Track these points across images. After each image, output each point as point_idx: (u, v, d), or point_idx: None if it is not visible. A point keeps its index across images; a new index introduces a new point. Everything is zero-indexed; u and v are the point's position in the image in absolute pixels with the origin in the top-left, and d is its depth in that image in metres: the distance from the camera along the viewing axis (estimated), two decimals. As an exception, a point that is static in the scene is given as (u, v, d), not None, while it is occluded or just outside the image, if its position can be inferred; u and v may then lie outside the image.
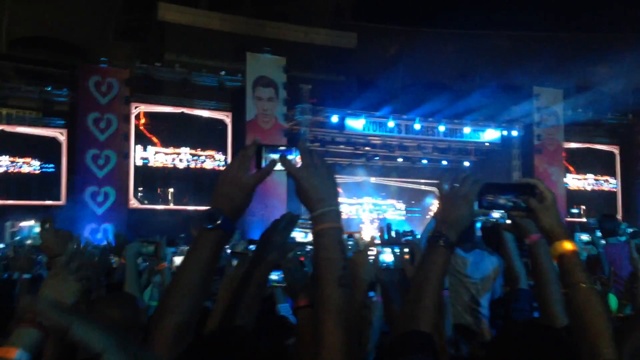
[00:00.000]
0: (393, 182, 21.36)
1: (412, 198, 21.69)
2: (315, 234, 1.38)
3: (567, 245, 1.52)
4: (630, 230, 10.60)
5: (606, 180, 22.50)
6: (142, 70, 17.31)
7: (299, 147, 1.43)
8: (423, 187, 21.25)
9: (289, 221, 1.78)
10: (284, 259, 1.87)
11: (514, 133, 20.02)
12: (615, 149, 22.50)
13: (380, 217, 20.15)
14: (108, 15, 18.11)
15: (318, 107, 18.53)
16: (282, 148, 1.43)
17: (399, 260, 2.20)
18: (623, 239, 5.74)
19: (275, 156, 1.42)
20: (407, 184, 21.18)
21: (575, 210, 20.25)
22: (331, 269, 1.34)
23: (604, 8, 22.79)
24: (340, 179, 19.99)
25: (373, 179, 20.76)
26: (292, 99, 18.25)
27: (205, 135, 18.25)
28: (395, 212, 21.22)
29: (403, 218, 20.76)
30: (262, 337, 2.23)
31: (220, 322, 1.72)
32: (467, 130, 19.62)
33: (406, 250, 2.53)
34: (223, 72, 18.12)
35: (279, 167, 1.41)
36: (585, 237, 11.26)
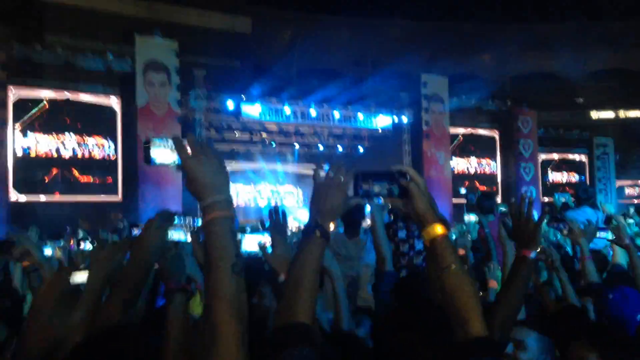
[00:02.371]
0: (290, 169, 21.53)
1: (310, 184, 21.28)
2: (206, 224, 1.37)
3: (438, 229, 1.54)
4: (503, 209, 11.14)
5: (488, 163, 23.92)
6: (20, 52, 16.07)
7: (187, 137, 1.42)
8: (321, 173, 20.80)
9: (165, 219, 1.78)
10: (162, 259, 1.86)
11: (404, 119, 20.73)
12: (495, 134, 24.00)
13: (279, 204, 20.19)
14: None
15: (213, 93, 18.18)
16: (169, 142, 1.44)
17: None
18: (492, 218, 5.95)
19: (164, 153, 1.44)
20: (304, 170, 21.42)
21: (462, 191, 21.28)
22: (223, 257, 1.33)
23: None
24: (237, 165, 19.97)
25: (270, 166, 20.84)
26: (185, 84, 17.76)
27: (92, 122, 17.39)
28: (293, 198, 21.39)
29: (301, 205, 20.89)
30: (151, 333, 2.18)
31: (95, 323, 1.70)
32: (360, 116, 20.07)
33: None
34: (110, 56, 17.33)
35: (167, 159, 1.43)
36: (473, 217, 11.78)
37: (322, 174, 1.60)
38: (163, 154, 1.44)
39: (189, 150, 1.41)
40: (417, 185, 1.57)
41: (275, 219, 2.34)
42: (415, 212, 1.58)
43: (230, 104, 18.23)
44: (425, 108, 21.01)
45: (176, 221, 1.87)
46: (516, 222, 2.10)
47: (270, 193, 20.83)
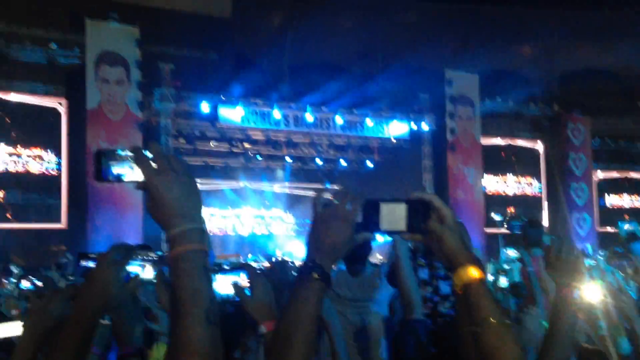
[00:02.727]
0: (280, 188, 21.70)
1: (305, 208, 21.35)
2: (173, 259, 1.38)
3: (473, 273, 1.56)
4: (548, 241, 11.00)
5: (529, 183, 23.93)
6: (-61, 41, 16.27)
7: (150, 149, 1.43)
8: (322, 198, 20.40)
9: (121, 254, 1.80)
10: (115, 312, 1.90)
11: (424, 126, 20.74)
12: (539, 146, 24.09)
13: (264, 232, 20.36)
14: None
15: (183, 92, 18.33)
16: (128, 153, 1.45)
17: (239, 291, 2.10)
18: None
19: (122, 168, 1.45)
20: (297, 190, 21.56)
21: (496, 217, 20.99)
22: (195, 301, 1.35)
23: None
24: (212, 185, 19.97)
25: (254, 184, 21.01)
26: (149, 81, 17.95)
27: (29, 130, 17.50)
28: (283, 225, 21.48)
29: (292, 233, 21.16)
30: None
31: None
32: (369, 122, 20.11)
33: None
34: (54, 45, 17.45)
35: (124, 175, 1.44)
36: (512, 252, 11.73)
37: (324, 199, 1.59)
38: (119, 168, 1.45)
39: (152, 164, 1.42)
40: (444, 218, 1.59)
41: (280, 272, 2.33)
42: (443, 251, 1.60)
43: (204, 107, 18.27)
44: (451, 113, 21.01)
45: (136, 256, 1.90)
46: (554, 253, 2.16)
47: (253, 219, 20.89)
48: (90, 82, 17.15)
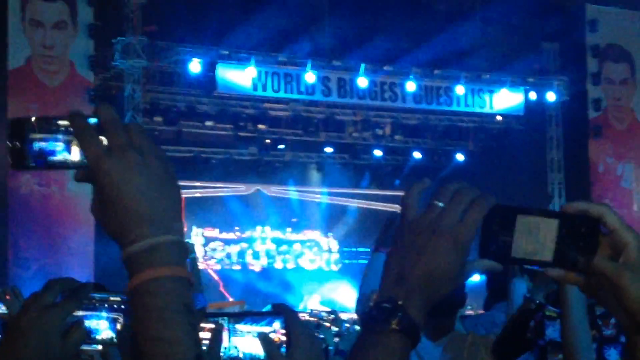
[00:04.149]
0: (313, 196, 21.58)
1: (355, 228, 21.73)
2: (134, 291, 1.41)
3: None
4: None
5: None
6: None
7: (100, 114, 1.49)
8: (376, 206, 21.20)
9: (66, 294, 1.89)
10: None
11: (551, 97, 20.52)
12: None
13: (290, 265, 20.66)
14: None
15: (161, 42, 18.82)
16: (64, 123, 1.49)
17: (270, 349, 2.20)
18: None
19: (55, 146, 1.49)
20: (344, 200, 21.58)
21: None
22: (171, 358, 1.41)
23: None
24: (206, 189, 20.48)
25: (273, 190, 20.75)
26: (105, 25, 18.37)
27: None
28: (320, 256, 21.74)
29: (335, 268, 21.25)
30: None
31: None
32: (460, 90, 20.00)
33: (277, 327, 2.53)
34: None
35: (66, 159, 1.51)
36: None
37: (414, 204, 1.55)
38: (50, 147, 1.49)
39: (102, 139, 1.46)
40: (626, 247, 1.46)
41: None
42: (622, 303, 1.48)
43: (194, 65, 18.82)
44: (595, 74, 20.93)
45: (89, 300, 2.00)
46: None
47: (272, 245, 20.83)
48: (14, 26, 17.74)
